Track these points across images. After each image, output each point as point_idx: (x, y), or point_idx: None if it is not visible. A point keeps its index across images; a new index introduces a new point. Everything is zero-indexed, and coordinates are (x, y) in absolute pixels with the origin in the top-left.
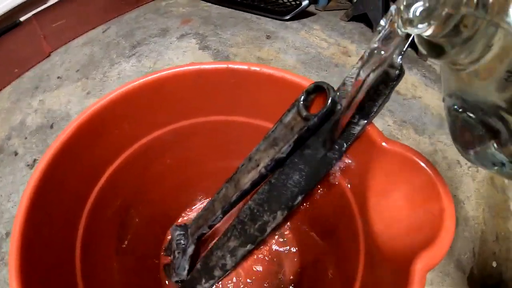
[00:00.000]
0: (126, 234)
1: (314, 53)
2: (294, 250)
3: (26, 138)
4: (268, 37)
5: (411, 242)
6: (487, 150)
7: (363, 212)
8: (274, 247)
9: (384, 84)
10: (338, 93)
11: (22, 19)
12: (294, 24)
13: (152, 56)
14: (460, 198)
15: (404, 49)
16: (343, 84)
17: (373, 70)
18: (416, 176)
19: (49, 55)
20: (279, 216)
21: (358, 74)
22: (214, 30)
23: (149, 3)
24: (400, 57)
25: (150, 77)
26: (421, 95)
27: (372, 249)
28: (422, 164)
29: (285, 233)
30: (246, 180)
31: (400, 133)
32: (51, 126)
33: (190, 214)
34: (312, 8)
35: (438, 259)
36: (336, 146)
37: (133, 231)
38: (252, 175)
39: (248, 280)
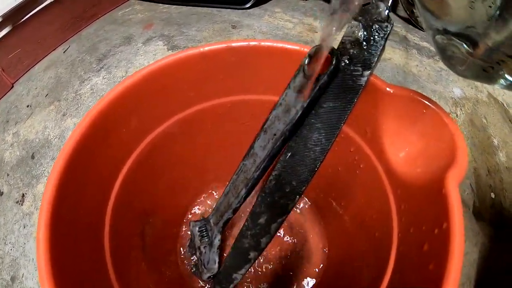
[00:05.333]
0: (147, 237)
1: (282, 34)
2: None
3: (8, 175)
4: (233, 27)
5: (433, 169)
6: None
7: (380, 155)
8: None
9: (378, 36)
10: (339, 52)
11: None
12: (256, 10)
13: (122, 65)
14: None
15: (389, 3)
16: (342, 43)
17: (365, 26)
18: (422, 113)
19: (12, 87)
20: (306, 179)
21: (353, 32)
22: (179, 29)
23: (105, 16)
24: (387, 10)
25: (154, 65)
26: (390, 56)
27: (399, 185)
28: (426, 102)
29: None
30: (266, 152)
31: None
32: (32, 157)
33: (201, 208)
34: None
35: (463, 171)
36: (347, 99)
37: (152, 233)
38: (271, 146)
39: None
